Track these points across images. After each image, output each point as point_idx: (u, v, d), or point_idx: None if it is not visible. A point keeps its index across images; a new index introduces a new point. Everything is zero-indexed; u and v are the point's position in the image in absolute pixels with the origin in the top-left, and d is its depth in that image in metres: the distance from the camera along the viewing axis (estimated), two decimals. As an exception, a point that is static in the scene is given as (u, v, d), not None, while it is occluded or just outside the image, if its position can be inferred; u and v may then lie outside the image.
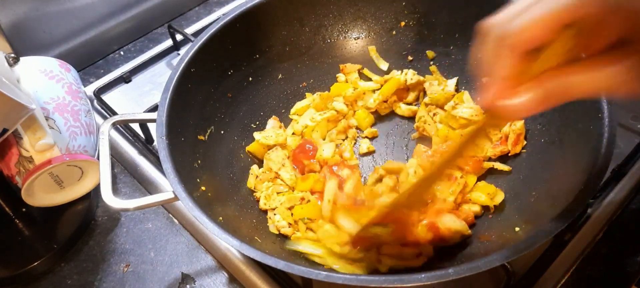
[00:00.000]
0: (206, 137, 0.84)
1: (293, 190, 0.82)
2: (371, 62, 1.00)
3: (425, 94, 0.94)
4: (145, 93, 1.07)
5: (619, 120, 0.65)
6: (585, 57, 0.46)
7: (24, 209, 0.84)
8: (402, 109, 0.93)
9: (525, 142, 0.80)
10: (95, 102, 1.03)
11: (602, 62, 0.44)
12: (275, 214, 0.79)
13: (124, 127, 0.97)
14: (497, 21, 0.46)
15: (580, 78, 0.45)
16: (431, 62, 0.97)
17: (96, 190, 0.82)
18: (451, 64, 0.95)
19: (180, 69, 0.80)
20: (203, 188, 0.74)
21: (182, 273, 0.78)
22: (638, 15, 0.41)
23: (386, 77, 0.96)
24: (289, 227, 0.77)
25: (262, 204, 0.80)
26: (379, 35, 1.00)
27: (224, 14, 0.89)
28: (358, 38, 1.00)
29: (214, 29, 0.86)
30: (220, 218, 0.69)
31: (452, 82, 0.92)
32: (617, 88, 0.44)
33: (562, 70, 0.46)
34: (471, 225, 0.74)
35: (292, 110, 0.95)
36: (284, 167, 0.84)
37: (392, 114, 0.95)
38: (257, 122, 0.93)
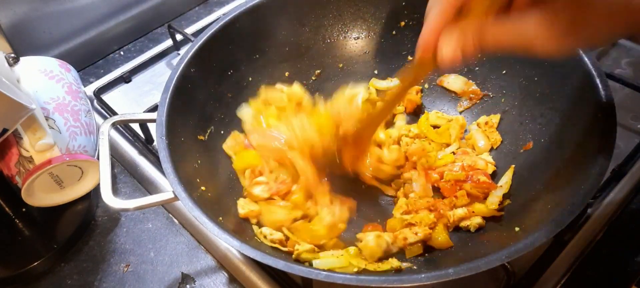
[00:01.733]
0: (206, 137, 0.84)
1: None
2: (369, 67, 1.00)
3: None
4: (145, 93, 1.07)
5: (618, 120, 0.65)
6: (510, 13, 0.50)
7: (24, 209, 0.84)
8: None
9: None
10: (95, 102, 1.03)
11: (521, 16, 0.48)
12: (260, 227, 0.75)
13: (124, 127, 0.97)
14: None
15: (497, 29, 0.49)
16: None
17: (96, 190, 0.82)
18: (451, 64, 0.95)
19: (180, 69, 0.80)
20: (203, 188, 0.74)
21: (182, 273, 0.78)
22: None
23: None
24: (286, 241, 0.73)
25: (241, 211, 0.77)
26: (378, 35, 1.00)
27: (224, 14, 0.89)
28: (358, 38, 1.00)
29: (213, 29, 0.86)
30: (220, 218, 0.69)
31: None
32: (534, 42, 0.47)
33: (483, 21, 0.50)
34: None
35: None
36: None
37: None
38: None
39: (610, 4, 0.43)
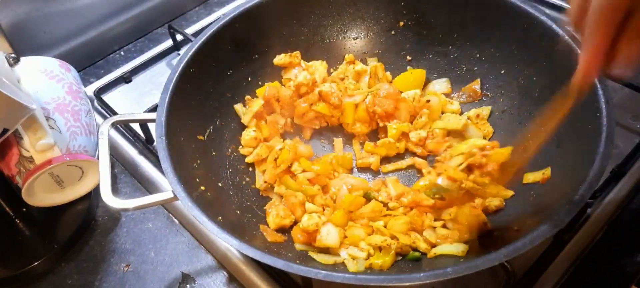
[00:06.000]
0: (205, 137, 0.84)
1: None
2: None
3: None
4: (145, 93, 1.07)
5: (618, 120, 0.65)
6: None
7: (24, 209, 0.84)
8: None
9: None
10: (95, 102, 1.03)
11: None
12: (272, 209, 0.78)
13: (124, 127, 0.97)
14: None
15: None
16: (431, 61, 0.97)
17: (96, 190, 0.82)
18: (449, 63, 0.95)
19: (180, 69, 0.80)
20: (202, 188, 0.74)
21: (182, 272, 0.78)
22: None
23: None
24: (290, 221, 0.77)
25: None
26: (377, 35, 1.00)
27: (223, 14, 0.89)
28: (357, 38, 1.00)
29: (213, 29, 0.86)
30: (220, 217, 0.69)
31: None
32: None
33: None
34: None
35: None
36: None
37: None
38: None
39: None
